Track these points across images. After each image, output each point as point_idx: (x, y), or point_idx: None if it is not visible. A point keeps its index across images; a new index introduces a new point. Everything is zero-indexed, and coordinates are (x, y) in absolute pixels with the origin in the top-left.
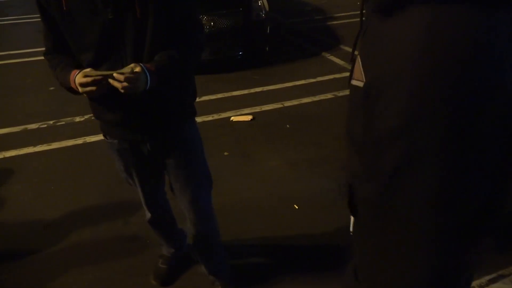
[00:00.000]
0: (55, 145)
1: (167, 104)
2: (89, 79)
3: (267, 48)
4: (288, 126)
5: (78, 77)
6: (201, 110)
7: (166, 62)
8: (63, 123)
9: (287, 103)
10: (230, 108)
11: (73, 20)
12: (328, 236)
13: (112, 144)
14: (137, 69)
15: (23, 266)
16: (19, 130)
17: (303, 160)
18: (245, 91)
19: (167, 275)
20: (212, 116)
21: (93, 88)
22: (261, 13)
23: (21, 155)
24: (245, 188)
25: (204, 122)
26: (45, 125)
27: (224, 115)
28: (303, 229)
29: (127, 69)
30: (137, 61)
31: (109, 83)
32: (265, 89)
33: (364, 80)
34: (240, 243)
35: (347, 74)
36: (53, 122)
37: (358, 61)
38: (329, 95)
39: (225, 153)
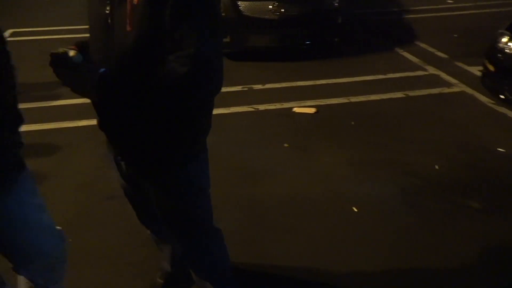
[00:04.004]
0: None
1: (143, 134)
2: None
3: (336, 39)
4: (353, 123)
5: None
6: (264, 98)
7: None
8: None
9: (354, 99)
10: (294, 99)
11: (90, 6)
12: (385, 248)
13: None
14: (72, 53)
15: (85, 232)
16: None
17: (365, 161)
18: (310, 82)
19: None
20: (275, 105)
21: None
22: (334, 1)
23: (88, 126)
24: (301, 182)
25: (266, 110)
26: None
27: (286, 105)
28: (359, 236)
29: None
30: (123, 57)
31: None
32: (331, 82)
33: None
34: (286, 240)
35: (421, 73)
36: None
37: None
38: (399, 94)
39: (285, 145)
